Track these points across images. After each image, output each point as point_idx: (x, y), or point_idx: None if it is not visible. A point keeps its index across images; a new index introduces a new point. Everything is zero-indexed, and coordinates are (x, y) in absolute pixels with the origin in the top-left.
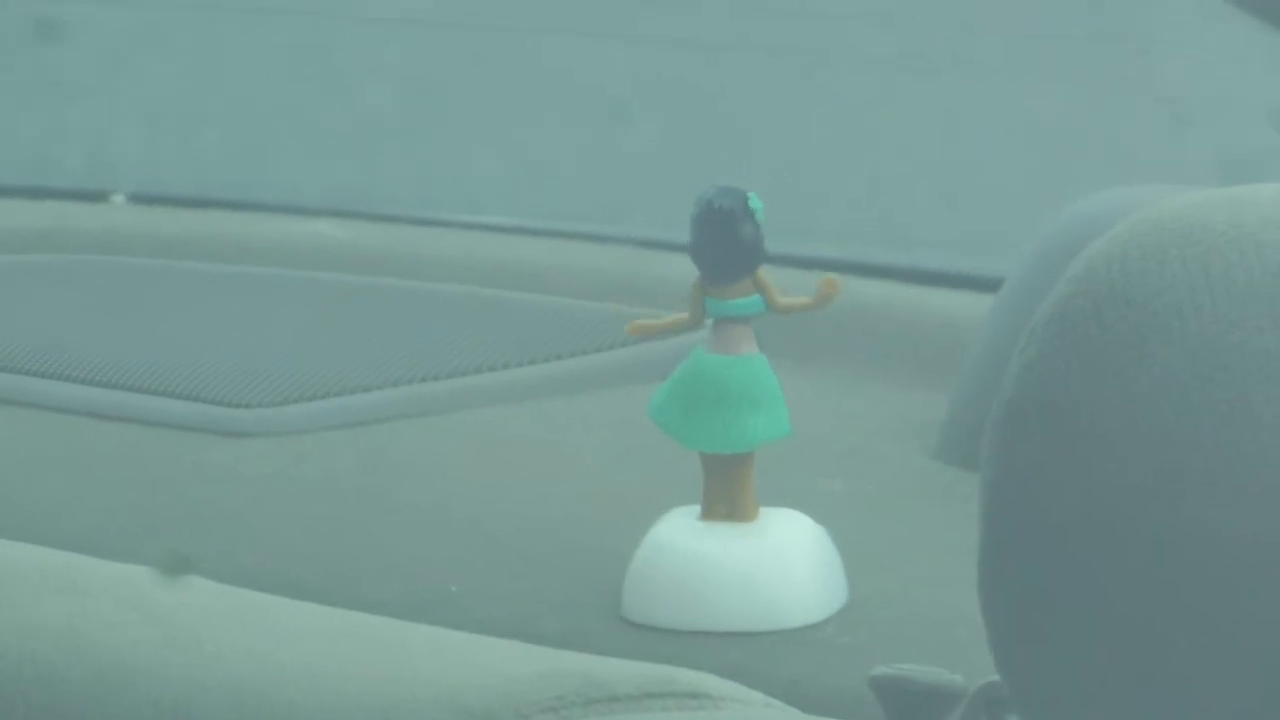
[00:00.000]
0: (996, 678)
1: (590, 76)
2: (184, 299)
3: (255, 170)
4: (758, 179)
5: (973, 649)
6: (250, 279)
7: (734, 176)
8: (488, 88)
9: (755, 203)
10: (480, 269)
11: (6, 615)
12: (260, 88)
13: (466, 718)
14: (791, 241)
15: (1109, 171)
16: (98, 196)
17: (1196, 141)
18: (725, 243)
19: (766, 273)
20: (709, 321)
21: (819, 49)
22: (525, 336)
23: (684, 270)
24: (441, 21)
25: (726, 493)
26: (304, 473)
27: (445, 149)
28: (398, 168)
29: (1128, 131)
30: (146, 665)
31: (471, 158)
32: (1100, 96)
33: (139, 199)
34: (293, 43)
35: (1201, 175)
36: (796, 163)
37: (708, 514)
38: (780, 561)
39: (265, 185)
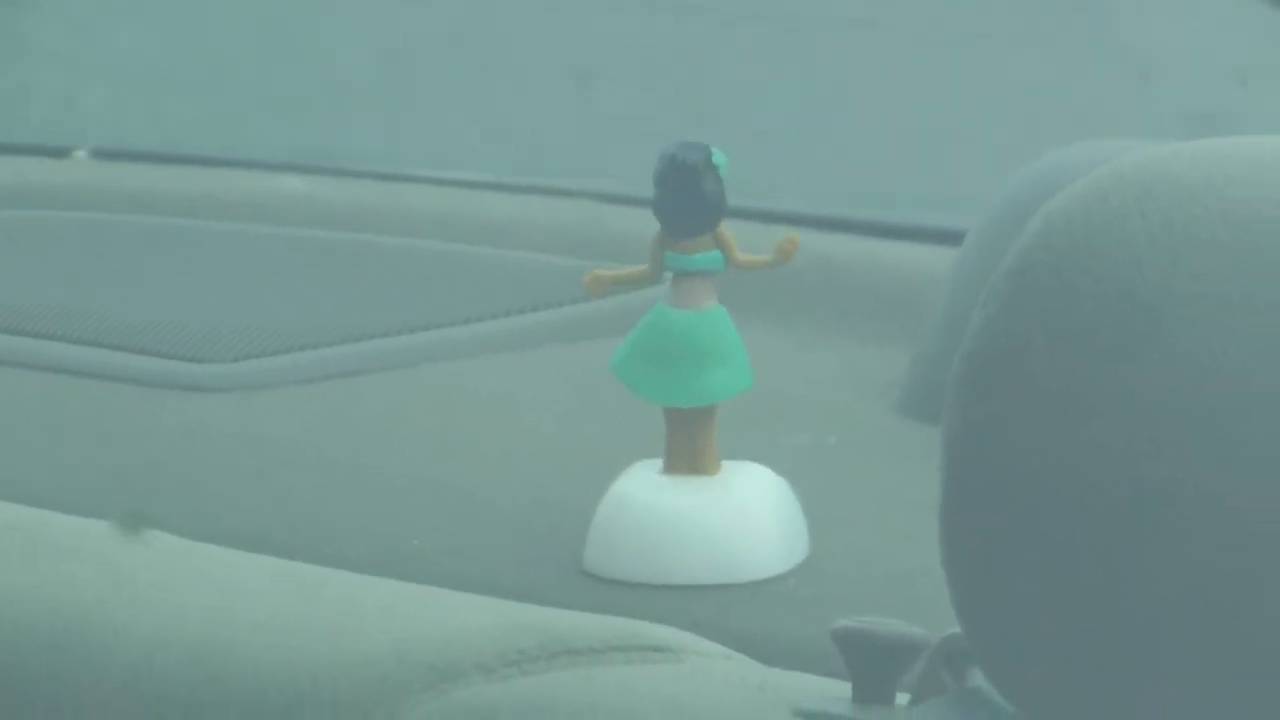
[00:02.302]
0: (958, 630)
1: (560, 37)
2: (146, 254)
3: (224, 133)
4: (725, 138)
5: (935, 602)
6: (213, 234)
7: (702, 135)
8: (458, 50)
9: (718, 158)
10: (443, 224)
11: None
12: (230, 50)
13: (429, 672)
14: (757, 197)
15: (1073, 128)
16: (61, 152)
17: (1161, 98)
18: (687, 197)
19: (728, 228)
20: (668, 276)
21: (787, 11)
22: (488, 291)
23: (648, 225)
24: None
25: (689, 447)
26: (266, 428)
27: (416, 111)
28: (367, 130)
29: (1092, 88)
30: (108, 622)
31: (442, 120)
32: (1065, 53)
33: (102, 154)
34: (262, 3)
35: (1166, 131)
36: (763, 122)
37: (670, 468)
38: (742, 515)
39: (234, 147)
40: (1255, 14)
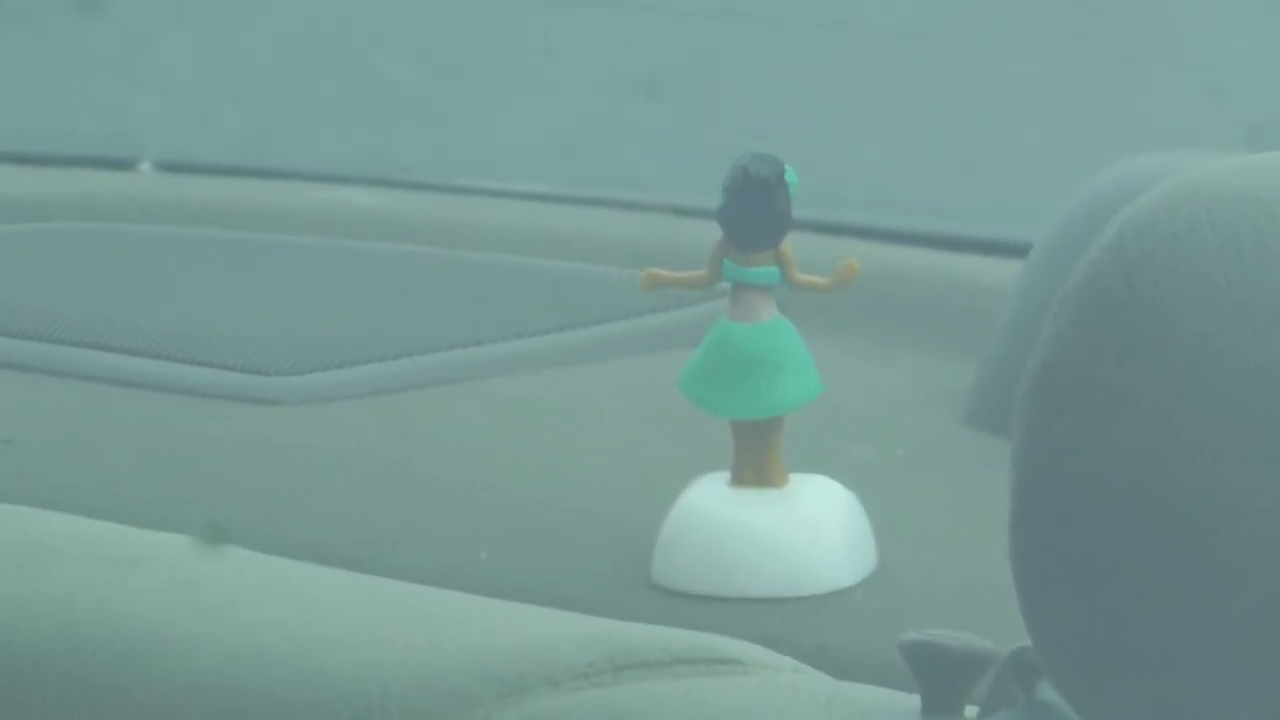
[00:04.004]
0: (1028, 643)
1: (619, 46)
2: (212, 267)
3: (277, 145)
4: (782, 147)
5: (1003, 615)
6: (279, 246)
7: (758, 146)
8: (512, 58)
9: (791, 175)
10: (509, 236)
11: (41, 585)
12: (281, 61)
13: (498, 685)
14: (819, 209)
15: (1139, 140)
16: (125, 165)
17: (1228, 110)
18: (756, 210)
19: (790, 244)
20: (725, 285)
21: (842, 20)
22: (555, 303)
23: (714, 238)
24: None
25: (756, 459)
26: (334, 440)
27: (470, 119)
28: (420, 139)
29: (1159, 100)
30: (179, 635)
31: (497, 129)
32: (1133, 65)
33: (166, 167)
34: (312, 14)
35: (1233, 144)
36: (822, 132)
37: (737, 480)
38: (810, 527)
39: (286, 159)
40: None
